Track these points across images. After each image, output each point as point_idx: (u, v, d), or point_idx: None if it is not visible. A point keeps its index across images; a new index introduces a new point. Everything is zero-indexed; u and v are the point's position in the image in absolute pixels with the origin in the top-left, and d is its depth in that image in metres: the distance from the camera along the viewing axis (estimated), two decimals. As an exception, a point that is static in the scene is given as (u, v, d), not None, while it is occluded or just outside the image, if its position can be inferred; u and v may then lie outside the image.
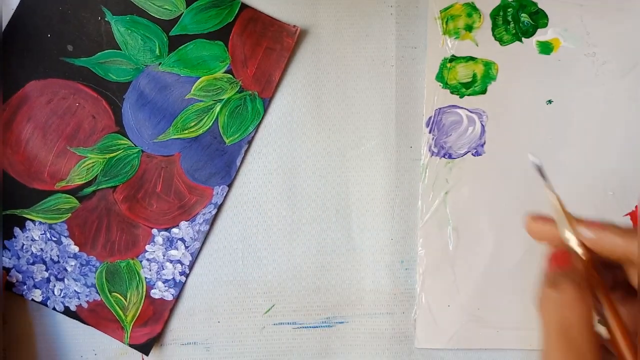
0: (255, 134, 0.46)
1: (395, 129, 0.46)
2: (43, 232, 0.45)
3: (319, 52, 0.46)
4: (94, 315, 0.46)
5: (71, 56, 0.45)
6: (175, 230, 0.46)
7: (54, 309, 0.46)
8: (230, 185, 0.46)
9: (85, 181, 0.45)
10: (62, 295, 0.46)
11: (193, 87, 0.45)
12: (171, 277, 0.46)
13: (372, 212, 0.46)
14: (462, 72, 0.45)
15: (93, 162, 0.45)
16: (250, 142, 0.46)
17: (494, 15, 0.45)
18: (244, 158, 0.46)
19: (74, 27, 0.45)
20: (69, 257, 0.46)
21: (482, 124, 0.46)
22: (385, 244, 0.46)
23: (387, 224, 0.46)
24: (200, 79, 0.45)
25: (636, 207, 0.46)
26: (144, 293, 0.46)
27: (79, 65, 0.45)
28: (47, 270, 0.46)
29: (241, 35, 0.45)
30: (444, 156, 0.46)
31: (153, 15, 0.45)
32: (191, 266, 0.46)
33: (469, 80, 0.45)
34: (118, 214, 0.46)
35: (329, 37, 0.45)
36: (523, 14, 0.45)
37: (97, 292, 0.46)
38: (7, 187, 0.45)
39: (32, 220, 0.45)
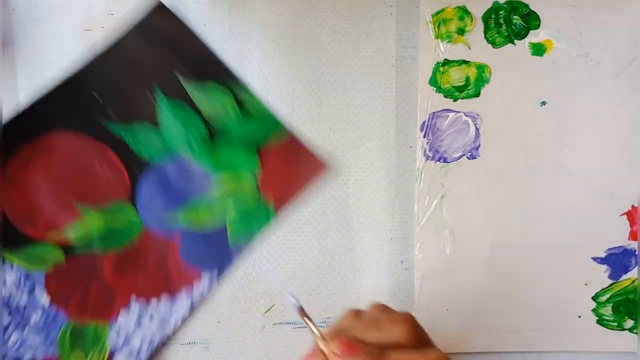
0: (257, 238, 0.45)
1: (395, 129, 0.45)
2: (18, 277, 0.43)
3: (319, 52, 0.45)
4: None
5: (109, 119, 0.44)
6: (153, 305, 0.44)
7: (4, 357, 0.44)
8: (219, 279, 0.45)
9: (79, 238, 0.44)
10: (16, 345, 0.43)
11: (214, 186, 0.44)
12: (136, 351, 0.44)
13: (372, 212, 0.45)
14: (455, 76, 0.45)
15: (94, 224, 0.44)
16: (250, 248, 0.45)
17: (485, 18, 0.44)
18: None
19: (120, 93, 0.44)
20: (37, 307, 0.44)
21: (476, 127, 0.45)
22: (385, 244, 0.45)
23: (387, 224, 0.45)
24: (223, 180, 0.44)
25: (632, 206, 0.45)
26: (105, 357, 0.44)
27: (115, 131, 0.44)
28: (10, 315, 0.43)
29: (276, 155, 0.45)
30: (439, 160, 0.45)
31: (200, 108, 0.44)
32: (158, 347, 0.45)
33: (462, 83, 0.45)
34: (100, 279, 0.44)
35: (329, 37, 0.45)
36: (515, 16, 0.44)
37: (56, 348, 0.44)
38: None
39: (11, 264, 0.43)
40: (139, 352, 0.45)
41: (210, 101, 0.44)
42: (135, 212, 0.44)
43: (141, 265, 0.44)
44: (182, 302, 0.45)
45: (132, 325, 0.44)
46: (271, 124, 0.44)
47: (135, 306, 0.44)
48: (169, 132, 0.44)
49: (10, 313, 0.44)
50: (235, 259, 0.45)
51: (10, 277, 0.43)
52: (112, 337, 0.44)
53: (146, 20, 0.43)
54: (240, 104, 0.44)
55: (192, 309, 0.45)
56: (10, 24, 0.44)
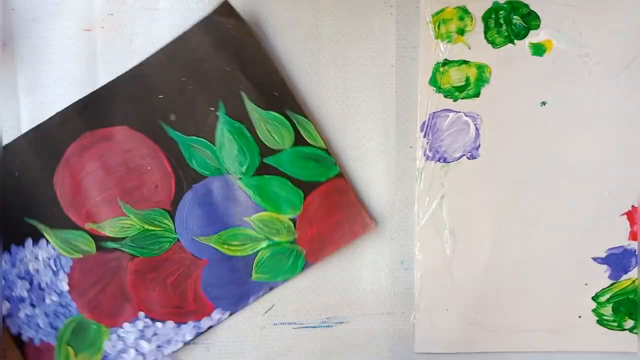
0: (280, 284, 0.45)
1: (395, 129, 0.45)
2: (49, 256, 0.44)
3: (319, 52, 0.45)
4: (37, 356, 0.44)
5: (169, 125, 0.44)
6: (159, 324, 0.45)
7: (8, 329, 0.44)
8: (231, 315, 0.45)
9: (114, 236, 0.44)
10: (23, 320, 0.44)
11: (255, 215, 0.44)
12: None
13: (372, 212, 0.45)
14: (455, 76, 0.44)
15: (131, 224, 0.44)
16: (271, 289, 0.45)
17: (485, 18, 0.44)
18: None
19: (185, 102, 0.44)
20: (55, 291, 0.44)
21: (476, 127, 0.45)
22: (385, 244, 0.45)
23: (387, 224, 0.45)
24: (265, 212, 0.44)
25: (632, 206, 0.45)
26: None
27: (171, 136, 0.44)
28: (29, 290, 0.44)
29: (322, 197, 0.44)
30: (439, 160, 0.45)
31: (259, 135, 0.44)
32: None
33: (462, 83, 0.44)
34: (121, 281, 0.44)
35: (329, 37, 0.45)
36: (515, 16, 0.44)
37: (55, 337, 0.44)
38: (46, 201, 0.44)
39: (47, 241, 0.44)
40: None
41: (270, 130, 0.44)
42: (172, 223, 0.44)
43: (161, 280, 0.45)
44: (188, 329, 0.45)
45: (132, 339, 0.45)
46: (326, 166, 0.44)
47: (141, 321, 0.45)
48: (223, 152, 0.44)
49: (30, 288, 0.44)
50: (252, 299, 0.45)
51: (43, 253, 0.44)
52: (109, 344, 0.44)
53: (213, 17, 0.43)
54: (299, 138, 0.44)
55: (197, 336, 0.45)
56: (10, 24, 0.44)
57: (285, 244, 0.45)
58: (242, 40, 0.43)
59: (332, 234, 0.45)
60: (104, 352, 0.44)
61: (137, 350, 0.45)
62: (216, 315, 0.45)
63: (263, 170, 0.44)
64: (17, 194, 0.44)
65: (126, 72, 0.44)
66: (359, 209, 0.45)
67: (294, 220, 0.44)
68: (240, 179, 0.44)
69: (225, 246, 0.45)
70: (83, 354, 0.44)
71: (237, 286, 0.45)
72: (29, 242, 0.44)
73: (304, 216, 0.44)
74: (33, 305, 0.44)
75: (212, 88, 0.44)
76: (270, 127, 0.44)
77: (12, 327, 0.44)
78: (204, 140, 0.44)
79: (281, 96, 0.44)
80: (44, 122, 0.44)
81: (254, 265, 0.45)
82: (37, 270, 0.44)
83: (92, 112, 0.44)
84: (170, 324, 0.45)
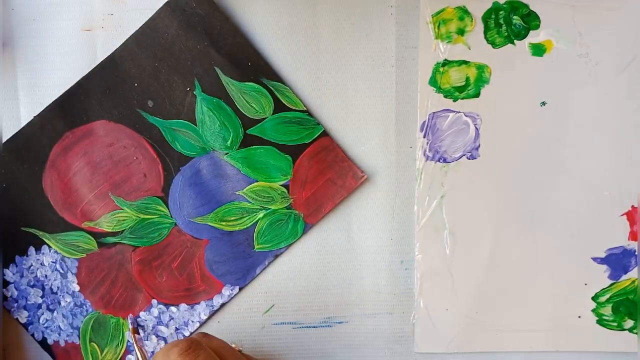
0: (284, 251, 0.45)
1: (395, 129, 0.45)
2: (54, 261, 0.44)
3: (319, 52, 0.45)
4: (66, 356, 0.45)
5: (148, 112, 0.44)
6: (173, 309, 0.45)
7: (33, 335, 0.45)
8: (241, 289, 0.45)
9: (112, 230, 0.44)
10: (45, 325, 0.45)
11: (247, 187, 0.45)
12: (152, 350, 0.45)
13: (372, 212, 0.45)
14: (455, 76, 0.44)
15: (126, 216, 0.44)
16: (276, 257, 0.45)
17: (485, 18, 0.44)
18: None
19: (161, 86, 0.44)
20: (67, 292, 0.45)
21: (476, 128, 0.45)
22: (385, 244, 0.45)
23: (386, 224, 0.45)
24: (257, 182, 0.45)
25: (632, 206, 0.45)
26: (120, 355, 0.45)
27: (152, 122, 0.44)
28: (42, 297, 0.44)
29: (311, 158, 0.45)
30: (438, 160, 0.45)
31: (239, 107, 0.44)
32: None
33: (462, 84, 0.44)
34: (128, 273, 0.45)
35: (329, 37, 0.45)
36: (515, 17, 0.44)
37: (78, 336, 0.45)
38: (39, 207, 0.44)
39: (49, 246, 0.44)
40: (153, 352, 0.45)
41: (248, 101, 0.44)
42: (167, 208, 0.45)
43: (166, 266, 0.45)
44: (202, 309, 0.45)
45: (151, 326, 0.45)
46: (309, 127, 0.44)
47: (155, 308, 0.45)
48: (205, 130, 0.44)
49: (43, 294, 0.45)
50: (259, 270, 0.45)
51: (48, 259, 0.44)
52: (130, 334, 0.45)
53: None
54: (279, 105, 0.44)
55: (211, 316, 0.45)
56: (10, 24, 0.44)
57: (282, 210, 0.45)
58: (209, 17, 0.44)
59: (326, 192, 0.45)
60: (127, 343, 0.45)
61: (157, 336, 0.45)
62: (226, 291, 0.45)
63: (248, 141, 0.44)
64: (9, 205, 0.44)
65: (97, 65, 0.44)
66: (349, 164, 0.45)
67: (286, 186, 0.45)
68: (227, 154, 0.44)
69: (223, 223, 0.45)
70: (108, 349, 0.45)
71: (242, 260, 0.45)
72: (32, 250, 0.44)
73: (296, 180, 0.45)
74: (50, 310, 0.45)
75: (185, 68, 0.44)
76: (248, 97, 0.44)
77: (37, 334, 0.45)
78: (185, 121, 0.44)
79: (255, 65, 0.44)
80: (22, 128, 0.44)
81: (254, 237, 0.45)
82: (46, 276, 0.45)
83: (69, 110, 0.44)
84: (184, 306, 0.45)
